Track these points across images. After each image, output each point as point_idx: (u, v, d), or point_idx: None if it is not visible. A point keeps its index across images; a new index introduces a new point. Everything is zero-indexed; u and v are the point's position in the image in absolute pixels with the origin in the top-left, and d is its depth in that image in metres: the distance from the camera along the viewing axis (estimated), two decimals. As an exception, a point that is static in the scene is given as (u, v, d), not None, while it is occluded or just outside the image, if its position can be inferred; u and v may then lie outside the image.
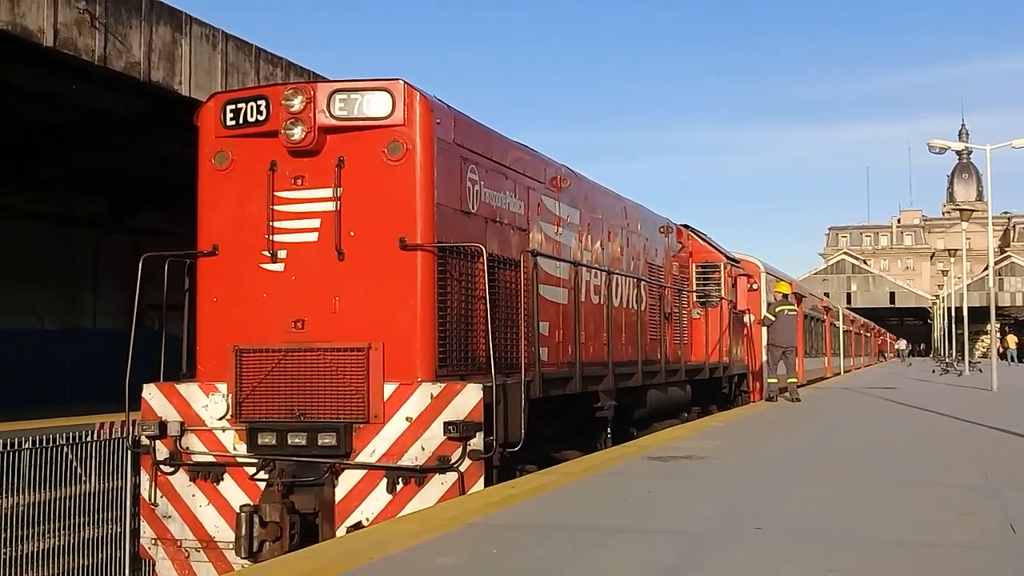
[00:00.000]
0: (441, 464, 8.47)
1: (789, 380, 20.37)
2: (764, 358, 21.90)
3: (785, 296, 20.80)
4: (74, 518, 13.66)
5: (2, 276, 24.49)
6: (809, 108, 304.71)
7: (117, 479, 14.10)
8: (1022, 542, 6.19)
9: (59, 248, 26.45)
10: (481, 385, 8.57)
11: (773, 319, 20.28)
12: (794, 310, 20.40)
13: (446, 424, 8.45)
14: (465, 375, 8.96)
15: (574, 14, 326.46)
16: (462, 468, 8.46)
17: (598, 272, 12.93)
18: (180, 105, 16.53)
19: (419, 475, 8.51)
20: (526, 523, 6.91)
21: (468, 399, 8.51)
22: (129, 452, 13.12)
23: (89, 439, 13.95)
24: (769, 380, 20.75)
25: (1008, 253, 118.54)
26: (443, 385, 8.59)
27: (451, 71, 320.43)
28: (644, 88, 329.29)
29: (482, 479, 8.53)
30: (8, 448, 12.96)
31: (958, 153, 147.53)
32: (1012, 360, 65.24)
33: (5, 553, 12.76)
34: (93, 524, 13.92)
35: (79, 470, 13.78)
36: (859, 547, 6.05)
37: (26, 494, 13.08)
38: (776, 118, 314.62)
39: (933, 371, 45.61)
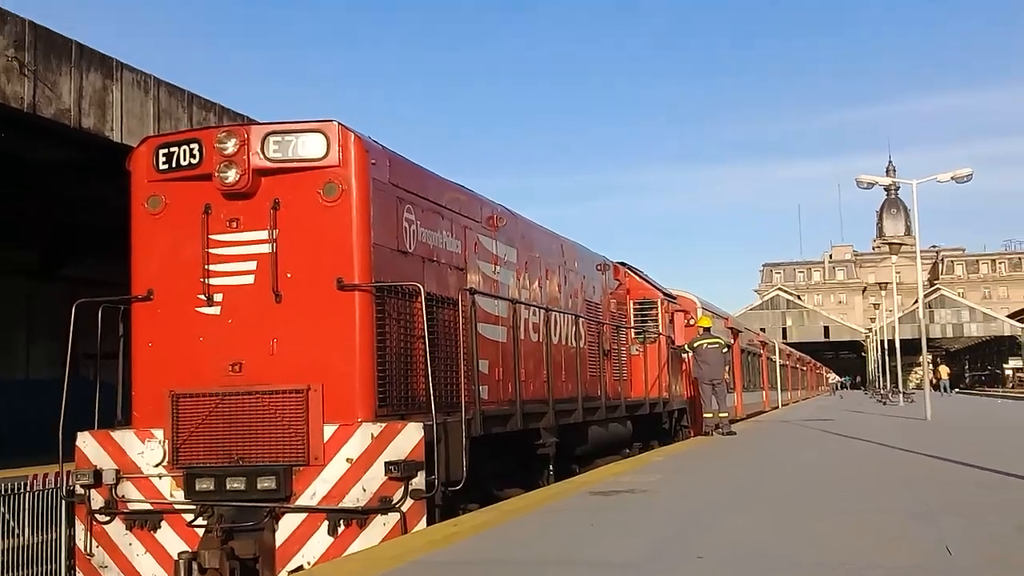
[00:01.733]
0: (383, 505, 8.43)
1: (720, 414, 20.36)
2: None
3: (706, 330, 20.85)
4: (9, 573, 13.31)
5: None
6: (741, 148, 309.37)
7: (52, 531, 13.81)
8: (957, 562, 6.30)
9: (-11, 299, 25.96)
10: (422, 424, 8.56)
11: (689, 351, 20.40)
12: (716, 343, 20.32)
13: (387, 464, 8.42)
14: (405, 414, 8.93)
15: (507, 53, 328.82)
16: (404, 508, 8.42)
17: (536, 310, 13.00)
18: (112, 152, 16.37)
19: (361, 516, 8.46)
20: (468, 560, 6.90)
21: (409, 438, 8.49)
22: (63, 502, 12.88)
23: (21, 491, 13.65)
24: (705, 415, 20.66)
25: (937, 286, 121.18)
26: (383, 425, 8.57)
27: (386, 112, 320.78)
28: (577, 130, 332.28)
29: (424, 518, 8.50)
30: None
31: (886, 189, 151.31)
32: (944, 390, 66.30)
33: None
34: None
35: (12, 523, 13.48)
36: (796, 571, 6.13)
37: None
38: (708, 158, 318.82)
39: (870, 397, 46.16)
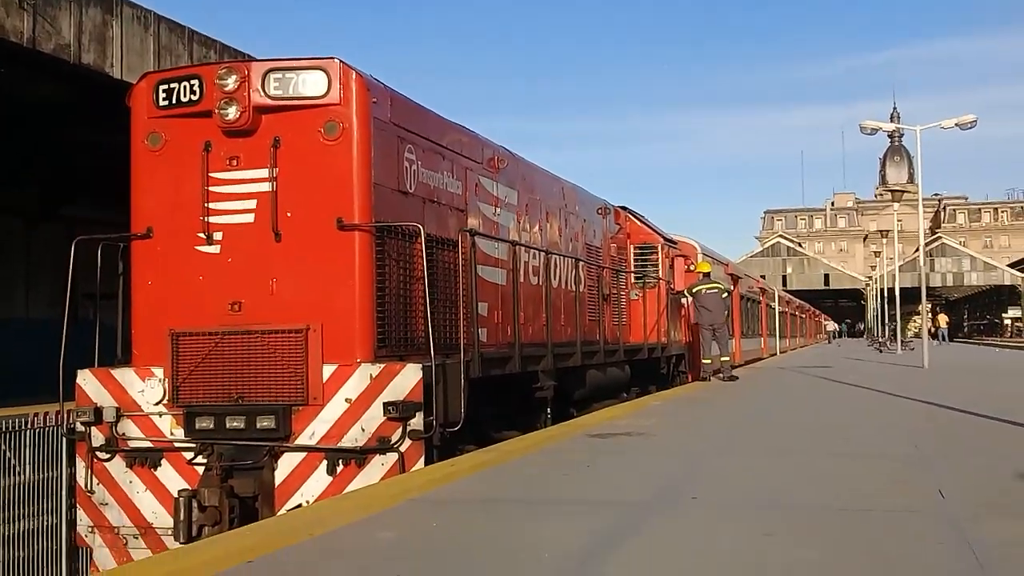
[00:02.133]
0: (381, 445, 8.47)
1: (722, 359, 20.26)
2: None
3: (706, 275, 20.67)
4: (9, 510, 13.43)
5: (-71, 267, 23.98)
6: (744, 94, 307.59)
7: (53, 469, 13.90)
8: (949, 506, 6.35)
9: (-12, 239, 25.93)
10: (420, 365, 8.57)
11: (689, 296, 20.28)
12: (715, 288, 20.10)
13: (386, 405, 8.44)
14: (404, 356, 8.94)
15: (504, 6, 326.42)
16: (402, 448, 8.46)
17: (536, 253, 12.98)
18: (112, 90, 16.22)
19: (359, 456, 8.51)
20: (466, 498, 6.95)
21: (407, 379, 8.50)
22: (64, 440, 12.95)
23: (23, 428, 13.72)
24: (704, 360, 20.58)
25: (939, 234, 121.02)
26: (382, 366, 8.58)
27: (390, 62, 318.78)
28: (580, 78, 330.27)
29: (422, 459, 8.53)
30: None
31: (890, 135, 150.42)
32: (943, 339, 66.49)
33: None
34: (29, 516, 13.70)
35: (12, 461, 13.56)
36: (793, 513, 6.18)
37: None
38: (712, 104, 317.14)
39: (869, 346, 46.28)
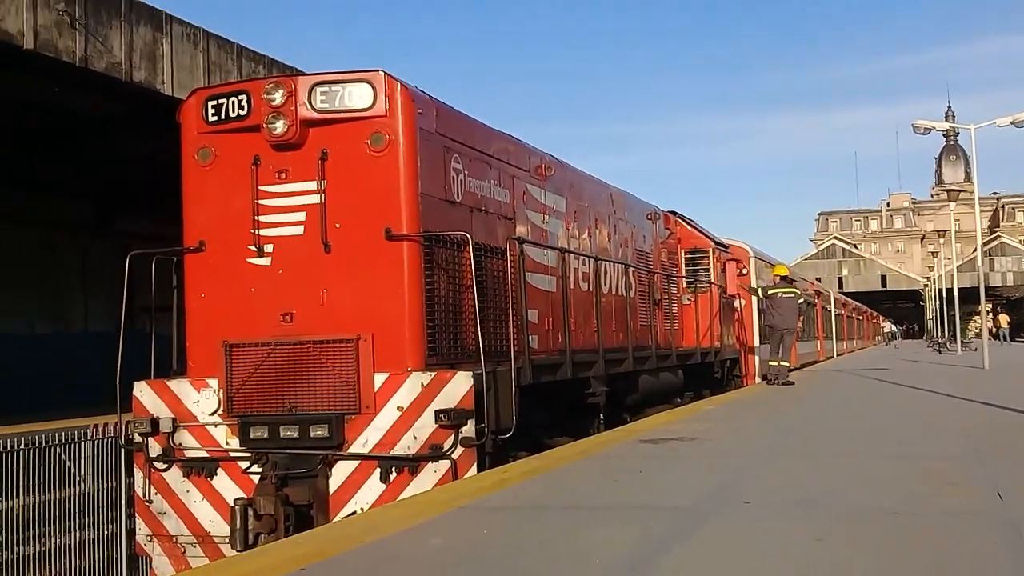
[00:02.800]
0: (433, 452, 8.51)
1: (781, 363, 20.20)
2: (756, 341, 22.07)
3: (783, 278, 20.81)
4: (70, 520, 13.66)
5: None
6: (796, 95, 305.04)
7: (112, 479, 14.12)
8: (1008, 509, 6.25)
9: (47, 253, 26.43)
10: (471, 373, 8.60)
11: (760, 295, 20.35)
12: (791, 293, 20.13)
13: (437, 412, 8.48)
14: (455, 364, 8.98)
15: (556, 14, 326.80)
16: (454, 456, 8.49)
17: (586, 259, 12.96)
18: (163, 105, 16.50)
19: (412, 464, 8.55)
20: (517, 504, 6.96)
21: (458, 387, 8.54)
22: (122, 451, 13.14)
23: (82, 439, 13.95)
24: (770, 363, 20.46)
25: (998, 233, 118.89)
26: (433, 374, 8.62)
27: (439, 72, 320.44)
28: (632, 81, 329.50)
29: (475, 466, 8.56)
30: (3, 450, 12.97)
31: (944, 135, 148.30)
32: (1004, 339, 65.39)
33: (2, 557, 12.77)
34: (89, 525, 13.93)
35: (73, 471, 13.80)
36: (845, 517, 6.11)
37: (22, 496, 13.09)
38: (763, 106, 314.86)
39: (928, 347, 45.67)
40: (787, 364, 20.56)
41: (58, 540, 13.55)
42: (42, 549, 13.35)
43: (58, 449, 13.67)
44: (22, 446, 13.21)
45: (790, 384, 20.12)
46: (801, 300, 20.39)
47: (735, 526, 5.94)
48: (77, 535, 13.74)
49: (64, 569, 13.52)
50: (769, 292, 20.18)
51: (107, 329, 24.82)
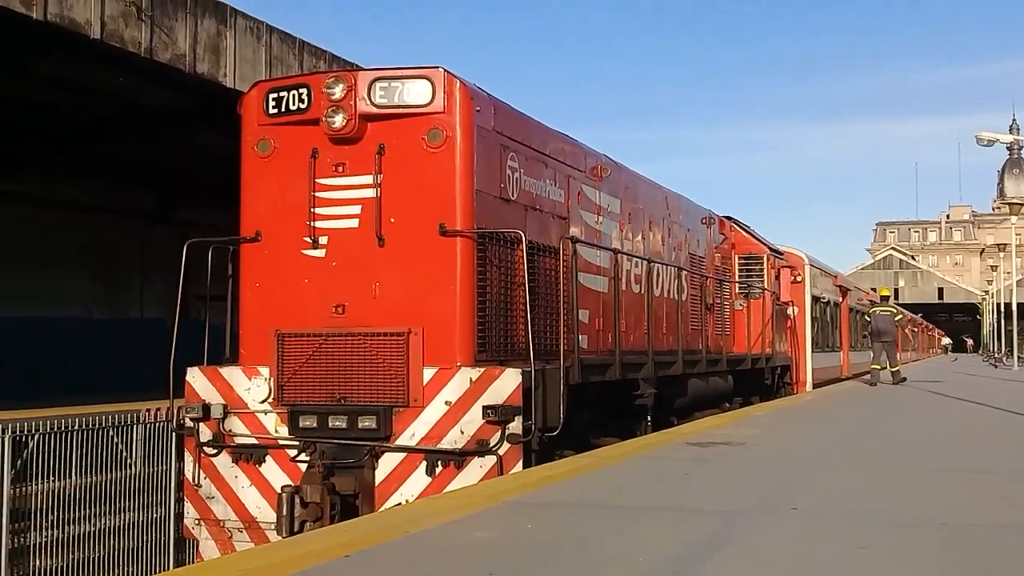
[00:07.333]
0: (480, 447, 8.54)
1: (891, 369, 24.66)
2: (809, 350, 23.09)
3: (884, 298, 26.24)
4: (121, 500, 13.89)
5: (52, 266, 24.94)
6: (857, 105, 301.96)
7: (162, 463, 14.33)
8: (1059, 525, 6.16)
9: (107, 239, 26.90)
10: (520, 370, 8.63)
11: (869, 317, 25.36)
12: (887, 311, 24.50)
13: (485, 408, 8.52)
14: (504, 360, 9.01)
15: (624, 15, 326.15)
16: (501, 452, 8.52)
17: (639, 261, 12.94)
18: (225, 98, 16.71)
19: (458, 458, 8.59)
20: (562, 502, 6.98)
21: (507, 383, 8.57)
22: (173, 435, 13.34)
23: (134, 423, 14.18)
24: (872, 367, 24.51)
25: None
26: (482, 370, 8.66)
27: (501, 70, 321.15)
28: (694, 88, 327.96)
29: (520, 463, 8.58)
30: (57, 430, 13.22)
31: (1008, 147, 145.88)
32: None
33: (53, 535, 13.02)
34: (139, 507, 14.16)
35: (125, 454, 14.02)
36: (892, 527, 6.05)
37: (74, 477, 13.34)
38: (824, 115, 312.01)
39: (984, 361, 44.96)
40: (897, 369, 24.88)
41: (109, 521, 13.78)
42: (93, 529, 13.57)
43: (111, 432, 13.89)
44: (76, 427, 13.45)
45: (903, 381, 24.72)
46: (898, 317, 26.00)
47: (780, 532, 5.90)
48: (127, 516, 13.97)
49: (113, 549, 13.74)
50: (871, 310, 25.44)
51: (162, 316, 25.27)
